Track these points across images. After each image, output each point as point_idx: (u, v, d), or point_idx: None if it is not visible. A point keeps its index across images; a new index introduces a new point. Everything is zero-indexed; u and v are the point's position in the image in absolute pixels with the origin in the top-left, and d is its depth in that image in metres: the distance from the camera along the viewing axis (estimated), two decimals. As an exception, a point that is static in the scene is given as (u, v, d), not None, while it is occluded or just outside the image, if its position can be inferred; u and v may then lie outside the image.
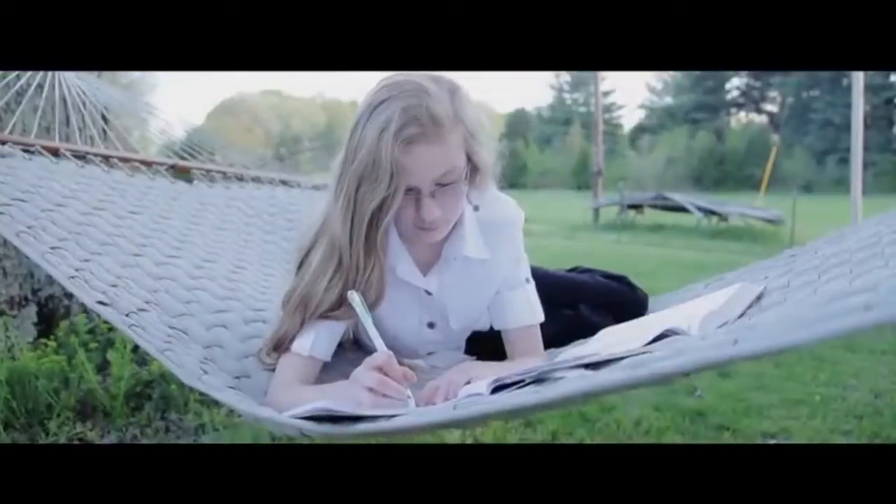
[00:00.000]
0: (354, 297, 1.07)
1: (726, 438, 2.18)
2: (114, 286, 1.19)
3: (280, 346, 1.14)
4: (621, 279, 1.54)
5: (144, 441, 2.08)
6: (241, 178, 2.13)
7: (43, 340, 2.39)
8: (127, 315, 1.10)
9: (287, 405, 0.94)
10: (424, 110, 0.99)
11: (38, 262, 1.15)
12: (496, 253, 1.20)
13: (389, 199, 1.02)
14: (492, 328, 1.29)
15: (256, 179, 2.18)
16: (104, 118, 2.51)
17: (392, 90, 1.01)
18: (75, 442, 2.03)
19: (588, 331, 1.32)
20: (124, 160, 1.86)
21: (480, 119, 1.09)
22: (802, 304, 0.54)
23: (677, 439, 2.16)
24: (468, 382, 1.01)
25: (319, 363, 1.15)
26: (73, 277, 1.13)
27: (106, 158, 1.82)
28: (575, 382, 0.67)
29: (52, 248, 1.20)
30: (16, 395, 2.09)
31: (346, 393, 0.97)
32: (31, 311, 2.53)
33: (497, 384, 0.87)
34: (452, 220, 1.11)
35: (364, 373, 0.97)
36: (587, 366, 0.78)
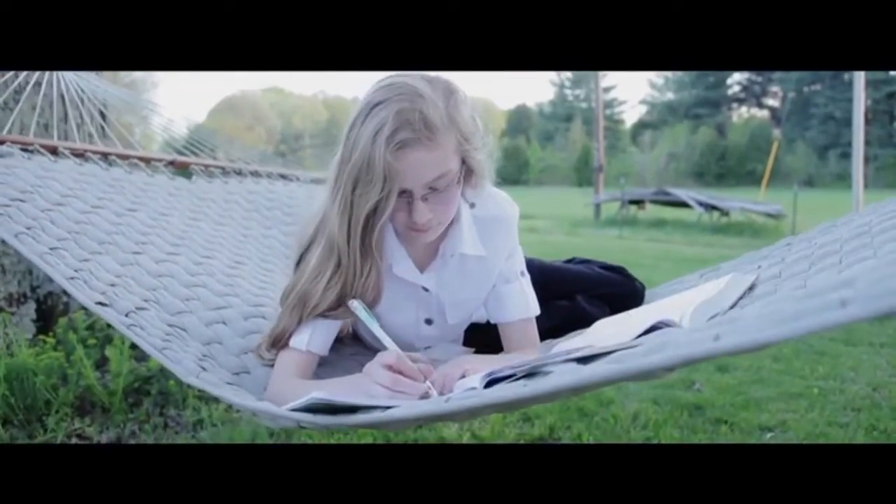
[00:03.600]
0: (356, 305, 1.08)
1: (724, 432, 2.18)
2: (113, 286, 1.19)
3: (278, 342, 1.15)
4: (619, 270, 1.54)
5: (143, 437, 2.08)
6: (239, 173, 2.13)
7: (42, 337, 2.40)
8: (126, 315, 1.10)
9: (287, 399, 0.94)
10: (418, 115, 0.99)
11: (37, 264, 1.15)
12: (492, 249, 1.21)
13: (383, 202, 1.02)
14: (489, 321, 1.30)
15: (255, 174, 2.18)
16: (102, 115, 2.51)
17: (388, 92, 1.01)
18: (74, 438, 2.04)
19: (585, 322, 1.33)
20: (123, 157, 1.86)
21: (476, 122, 1.09)
22: (786, 298, 0.56)
23: (675, 433, 2.16)
24: (464, 376, 1.02)
25: (317, 357, 1.17)
26: (72, 279, 1.13)
27: (105, 156, 1.81)
28: (563, 377, 0.70)
29: (52, 248, 1.21)
30: (14, 391, 2.09)
31: (358, 386, 0.99)
32: (30, 307, 2.54)
33: (490, 378, 0.88)
34: (445, 222, 1.12)
35: (377, 370, 0.98)
36: (577, 360, 0.79)
